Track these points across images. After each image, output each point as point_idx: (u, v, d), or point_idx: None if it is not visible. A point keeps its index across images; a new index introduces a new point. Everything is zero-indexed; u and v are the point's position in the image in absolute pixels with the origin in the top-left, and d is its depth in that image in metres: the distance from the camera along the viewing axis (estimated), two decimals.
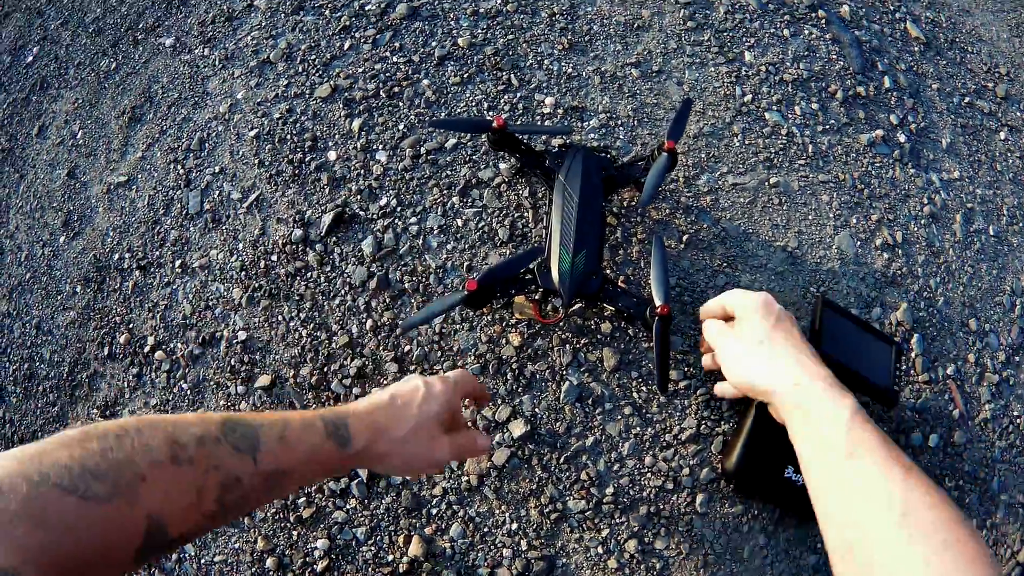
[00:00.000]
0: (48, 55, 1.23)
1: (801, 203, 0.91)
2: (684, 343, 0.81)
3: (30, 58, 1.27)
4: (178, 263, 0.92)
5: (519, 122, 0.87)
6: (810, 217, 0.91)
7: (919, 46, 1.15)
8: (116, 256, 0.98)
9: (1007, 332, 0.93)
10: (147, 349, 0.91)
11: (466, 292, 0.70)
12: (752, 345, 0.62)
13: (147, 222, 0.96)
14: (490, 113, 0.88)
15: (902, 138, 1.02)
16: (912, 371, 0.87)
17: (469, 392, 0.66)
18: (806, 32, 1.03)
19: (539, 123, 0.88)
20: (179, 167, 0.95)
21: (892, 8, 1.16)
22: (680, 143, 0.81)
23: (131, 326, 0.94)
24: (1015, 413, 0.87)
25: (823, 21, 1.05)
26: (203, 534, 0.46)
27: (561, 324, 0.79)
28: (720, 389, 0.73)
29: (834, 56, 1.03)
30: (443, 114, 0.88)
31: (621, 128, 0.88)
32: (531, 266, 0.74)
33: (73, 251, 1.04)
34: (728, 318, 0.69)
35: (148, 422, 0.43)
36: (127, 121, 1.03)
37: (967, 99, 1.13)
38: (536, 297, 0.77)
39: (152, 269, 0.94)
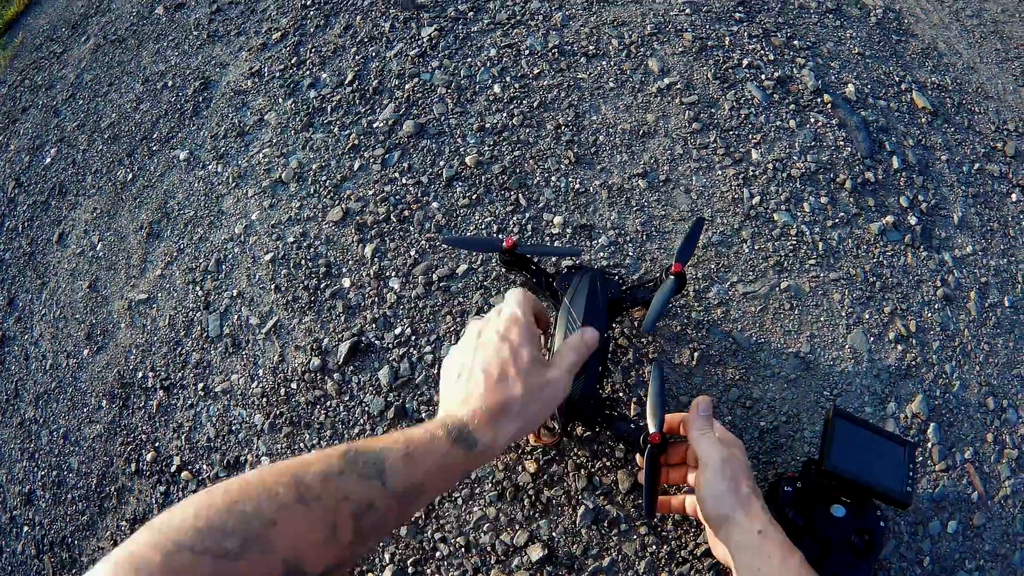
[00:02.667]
0: (66, 158, 1.26)
1: (812, 305, 0.90)
2: None
3: (48, 160, 1.29)
4: (200, 386, 0.94)
5: (529, 243, 0.88)
6: (822, 319, 0.90)
7: (926, 116, 1.14)
8: (140, 374, 1.00)
9: None
10: (173, 468, 0.93)
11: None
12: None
13: (169, 342, 0.98)
14: (500, 235, 0.89)
15: (913, 220, 1.01)
16: (929, 462, 0.86)
17: (531, 302, 0.65)
18: (812, 120, 1.02)
19: (549, 244, 0.88)
20: (198, 288, 0.97)
21: (897, 79, 1.15)
22: (688, 264, 0.81)
23: (157, 445, 0.96)
24: None
25: (829, 106, 1.04)
26: (352, 561, 0.47)
27: (557, 445, 0.80)
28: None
29: (841, 142, 1.02)
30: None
31: (630, 244, 0.88)
32: None
33: (97, 365, 1.06)
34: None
35: (270, 469, 0.43)
36: (145, 236, 1.05)
37: (976, 165, 1.11)
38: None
39: (175, 390, 0.96)
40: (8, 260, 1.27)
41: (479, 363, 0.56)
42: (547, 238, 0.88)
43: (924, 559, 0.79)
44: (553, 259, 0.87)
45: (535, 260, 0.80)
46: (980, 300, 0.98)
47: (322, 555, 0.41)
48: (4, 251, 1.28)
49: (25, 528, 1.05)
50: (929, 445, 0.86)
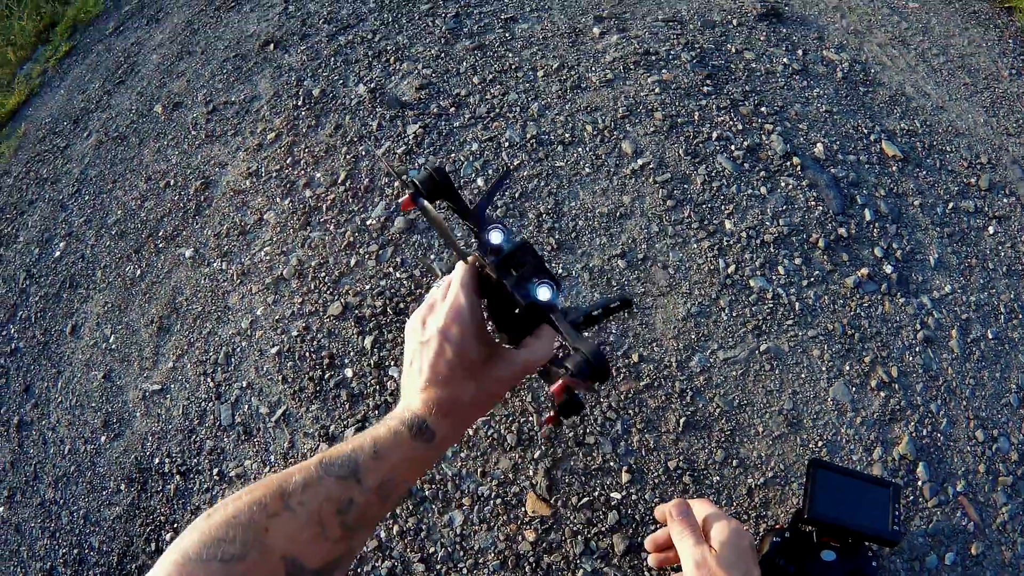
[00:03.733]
0: (75, 252, 1.37)
1: (792, 363, 0.99)
2: None
3: (57, 253, 1.41)
4: (215, 471, 1.03)
5: None
6: (803, 376, 0.98)
7: (897, 164, 1.22)
8: (156, 460, 1.09)
9: (1017, 431, 0.98)
10: None
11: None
12: None
13: (183, 430, 1.08)
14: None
15: (888, 269, 1.09)
16: (920, 499, 0.93)
17: (473, 282, 0.61)
18: (782, 184, 1.12)
19: None
20: (209, 380, 1.07)
21: (866, 131, 1.25)
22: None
23: (176, 526, 1.05)
24: None
25: (798, 168, 1.14)
26: (350, 555, 0.54)
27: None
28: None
29: (812, 202, 1.11)
30: None
31: (613, 322, 0.98)
32: None
33: (115, 451, 1.15)
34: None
35: (260, 485, 0.50)
36: (156, 330, 1.16)
37: (951, 204, 1.19)
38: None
39: (191, 475, 1.05)
40: (23, 349, 1.37)
41: (427, 360, 0.58)
42: None
43: None
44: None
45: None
46: (962, 337, 1.05)
47: (317, 550, 0.49)
48: (18, 340, 1.39)
49: None
50: (919, 483, 0.92)
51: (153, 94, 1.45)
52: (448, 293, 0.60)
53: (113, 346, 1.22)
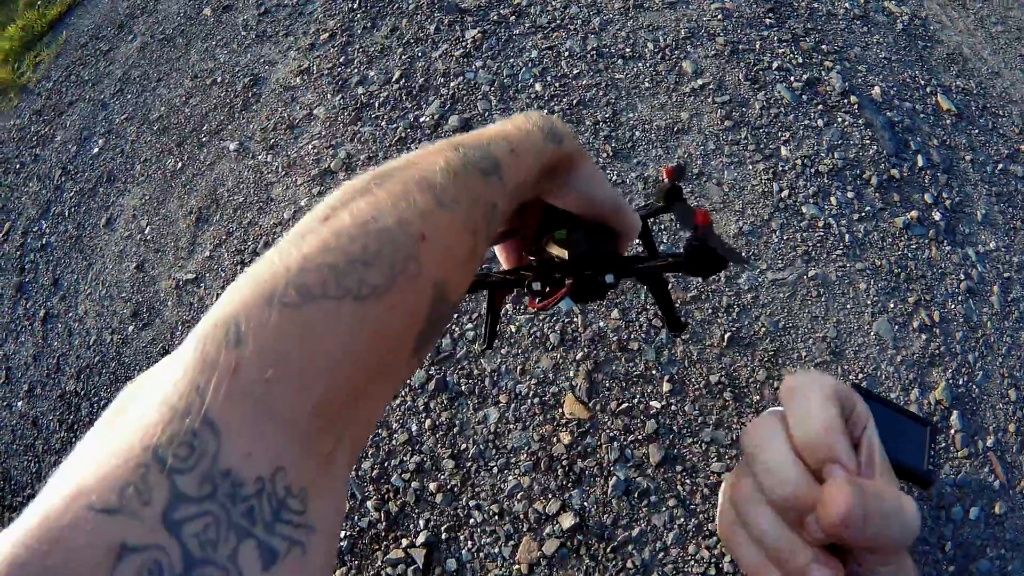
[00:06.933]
0: (114, 148, 1.36)
1: (839, 293, 0.98)
2: (726, 436, 0.88)
3: (95, 149, 1.40)
4: None
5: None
6: (848, 306, 0.97)
7: (951, 118, 1.21)
8: None
9: None
10: None
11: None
12: None
13: None
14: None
15: (937, 216, 1.08)
16: (952, 447, 0.92)
17: None
18: (839, 120, 1.10)
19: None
20: (246, 268, 1.06)
21: (923, 83, 1.23)
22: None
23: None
24: None
25: (855, 106, 1.13)
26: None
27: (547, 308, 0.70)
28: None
29: (867, 141, 1.10)
30: None
31: (664, 232, 0.97)
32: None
33: (143, 341, 1.15)
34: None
35: (385, 172, 0.32)
36: (194, 221, 1.15)
37: (1000, 166, 1.18)
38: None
39: None
40: (54, 243, 1.37)
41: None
42: None
43: (946, 544, 0.85)
44: None
45: None
46: (1003, 294, 1.04)
47: (464, 275, 0.34)
48: (50, 235, 1.38)
49: None
50: (952, 432, 0.92)
51: None
52: None
53: (148, 237, 1.22)
